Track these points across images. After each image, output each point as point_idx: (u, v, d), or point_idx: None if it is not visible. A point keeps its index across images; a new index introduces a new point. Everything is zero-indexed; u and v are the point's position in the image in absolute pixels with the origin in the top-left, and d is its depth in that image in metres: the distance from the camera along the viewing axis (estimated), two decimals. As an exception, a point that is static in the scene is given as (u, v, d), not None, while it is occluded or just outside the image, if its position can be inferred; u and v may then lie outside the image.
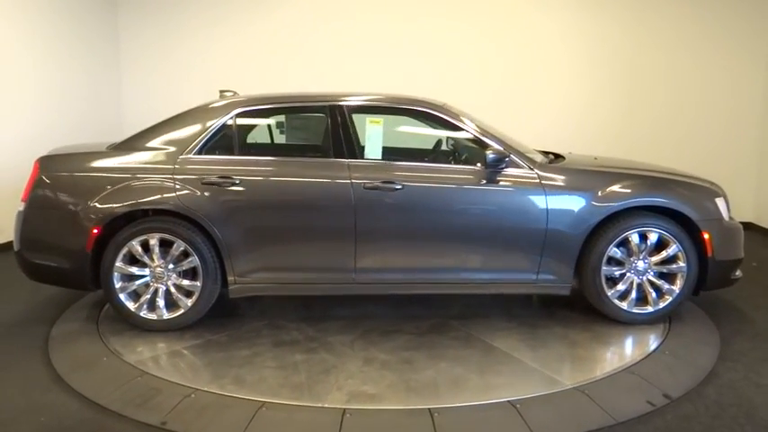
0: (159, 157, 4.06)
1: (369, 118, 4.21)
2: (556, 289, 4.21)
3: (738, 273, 4.39)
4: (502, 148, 4.09)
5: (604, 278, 4.16)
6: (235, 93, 4.59)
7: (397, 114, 4.39)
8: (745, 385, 3.38)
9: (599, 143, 7.10)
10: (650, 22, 7.27)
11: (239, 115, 4.19)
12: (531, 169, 4.13)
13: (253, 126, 4.36)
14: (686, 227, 4.16)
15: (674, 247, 4.13)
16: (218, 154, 4.13)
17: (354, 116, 4.21)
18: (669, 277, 4.21)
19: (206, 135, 4.11)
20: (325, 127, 4.21)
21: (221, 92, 4.65)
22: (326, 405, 3.13)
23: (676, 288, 4.19)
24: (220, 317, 4.30)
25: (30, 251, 4.09)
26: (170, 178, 3.99)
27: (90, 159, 4.16)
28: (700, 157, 7.08)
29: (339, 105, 4.18)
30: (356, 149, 4.12)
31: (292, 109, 4.43)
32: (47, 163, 4.12)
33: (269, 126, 4.54)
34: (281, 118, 4.48)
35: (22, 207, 4.07)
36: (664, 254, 4.15)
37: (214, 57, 7.84)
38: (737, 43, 7.25)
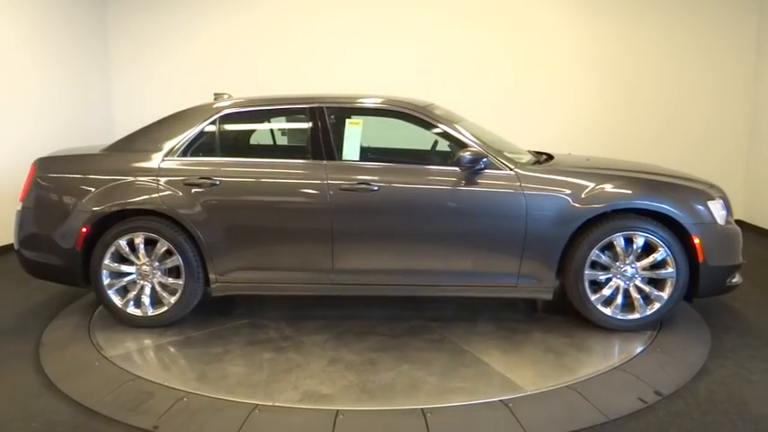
0: (145, 159, 4.20)
1: (348, 119, 4.23)
2: (538, 293, 4.12)
3: (737, 279, 4.18)
4: (479, 149, 4.03)
5: (588, 282, 4.04)
6: (229, 95, 4.69)
7: (376, 116, 4.40)
8: (736, 381, 3.39)
9: (599, 144, 7.05)
10: (642, 24, 7.27)
11: (223, 118, 4.29)
12: (511, 170, 4.05)
13: (236, 128, 4.44)
14: (677, 231, 3.99)
15: (663, 251, 3.97)
16: (202, 156, 4.24)
17: (335, 118, 4.24)
18: (658, 283, 4.05)
19: (190, 137, 4.23)
20: (305, 129, 4.26)
21: (216, 94, 4.76)
22: (277, 404, 3.16)
23: (665, 294, 4.03)
24: (209, 314, 4.42)
25: (27, 249, 4.30)
26: (154, 179, 4.12)
27: (81, 161, 4.35)
28: (688, 155, 7.09)
29: (319, 107, 4.22)
30: (334, 151, 4.15)
31: (275, 111, 4.50)
32: (42, 164, 4.34)
33: (252, 128, 4.62)
34: (265, 120, 4.56)
35: (20, 206, 4.29)
36: (651, 259, 4.00)
37: (207, 57, 7.82)
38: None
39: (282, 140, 4.59)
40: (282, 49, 7.70)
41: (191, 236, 4.11)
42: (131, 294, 4.20)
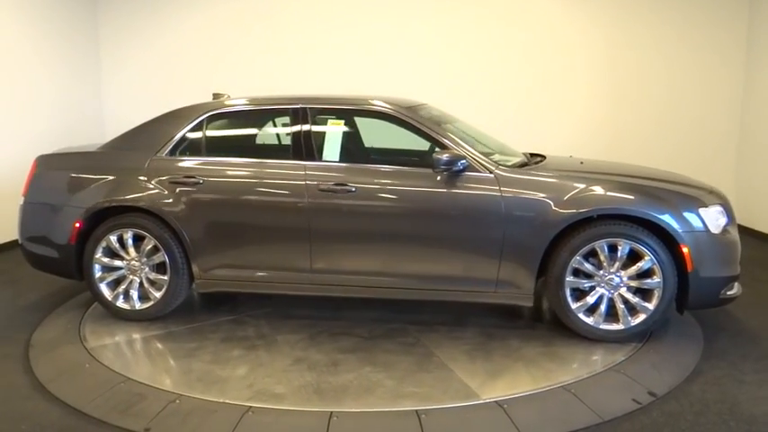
0: (135, 158, 4.33)
1: (330, 120, 4.24)
2: (518, 299, 4.01)
3: (734, 291, 3.95)
4: (456, 151, 3.96)
5: (570, 290, 3.91)
6: (228, 96, 4.77)
7: (358, 116, 4.39)
8: (729, 382, 3.42)
9: (593, 145, 6.98)
10: (633, 26, 7.19)
11: (210, 118, 4.38)
12: (490, 173, 3.96)
13: (221, 128, 4.52)
14: (666, 239, 3.81)
15: (648, 260, 3.79)
16: (189, 155, 4.34)
17: (317, 118, 4.26)
18: (646, 293, 3.88)
19: (178, 137, 4.34)
20: (288, 129, 4.29)
21: (215, 94, 4.86)
22: (227, 401, 3.20)
23: (650, 305, 3.84)
24: (198, 310, 4.54)
25: (28, 241, 4.52)
26: (143, 178, 4.25)
27: (77, 159, 4.53)
28: (678, 156, 6.99)
29: (302, 108, 4.25)
30: (314, 151, 4.16)
31: (259, 112, 4.55)
32: (42, 161, 4.55)
33: (236, 129, 4.68)
34: (250, 121, 4.62)
35: (22, 201, 4.51)
36: (636, 267, 3.83)
37: (199, 56, 7.76)
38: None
39: (266, 140, 4.65)
40: (277, 48, 7.61)
41: (176, 233, 4.21)
42: (121, 288, 4.34)
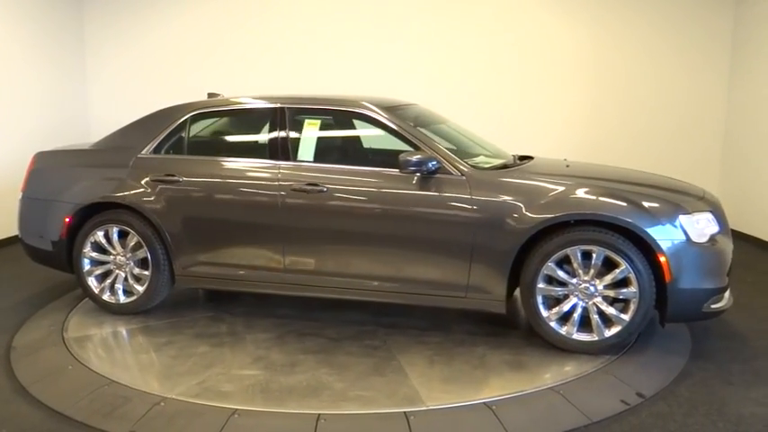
0: (122, 156, 4.45)
1: (307, 120, 4.24)
2: (489, 306, 3.89)
3: (721, 304, 3.73)
4: (427, 152, 3.88)
5: (541, 298, 3.78)
6: (221, 95, 4.85)
7: (335, 116, 4.37)
8: (717, 383, 3.43)
9: (579, 147, 6.92)
10: (620, 28, 7.19)
11: (193, 118, 4.46)
12: (461, 175, 3.86)
13: (203, 128, 4.59)
14: (644, 246, 3.63)
15: (624, 268, 3.62)
16: (171, 154, 4.43)
17: (295, 118, 4.27)
18: (623, 303, 3.70)
19: (162, 136, 4.43)
20: (266, 129, 4.32)
21: (209, 94, 4.94)
22: (170, 396, 3.24)
23: (626, 316, 3.66)
24: (183, 305, 4.64)
25: (26, 234, 4.72)
26: (127, 175, 4.37)
27: (69, 156, 4.70)
28: (663, 159, 6.97)
29: (280, 108, 4.26)
30: (289, 151, 4.17)
31: (240, 112, 4.60)
32: (39, 158, 4.74)
33: (217, 128, 4.73)
34: (231, 121, 4.68)
35: (20, 196, 4.71)
36: (611, 276, 3.66)
37: (185, 55, 7.71)
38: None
39: (245, 140, 4.68)
40: (268, 46, 7.55)
41: (157, 230, 4.30)
42: (107, 282, 4.47)
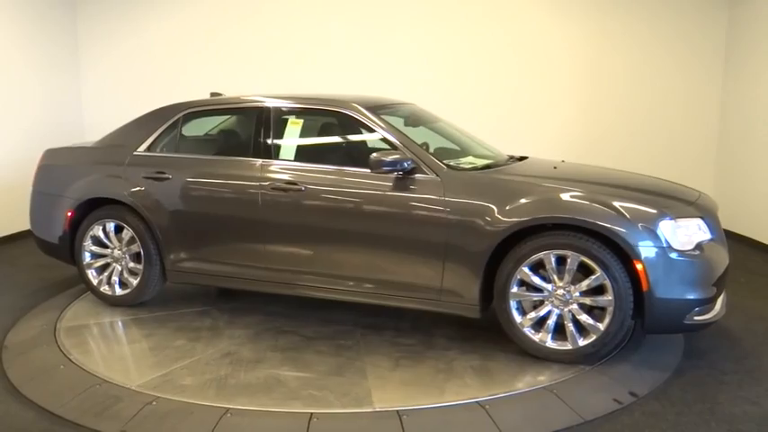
0: (119, 154, 4.61)
1: (290, 119, 4.28)
2: (463, 310, 3.80)
3: (707, 316, 3.51)
4: (406, 152, 3.84)
5: (515, 303, 3.67)
6: (223, 95, 4.95)
7: (319, 115, 4.38)
8: (710, 382, 3.44)
9: (573, 148, 6.84)
10: (616, 29, 7.14)
11: (186, 116, 4.56)
12: (436, 175, 3.80)
13: (195, 127, 4.68)
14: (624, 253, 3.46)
15: (599, 275, 3.47)
16: (164, 151, 4.56)
17: (279, 117, 4.30)
18: (599, 311, 3.55)
19: (156, 134, 4.57)
20: (251, 127, 4.37)
21: (212, 93, 5.05)
22: (129, 386, 3.34)
23: (602, 325, 3.51)
24: (178, 299, 4.75)
25: (36, 228, 4.96)
26: (123, 172, 4.52)
27: (73, 153, 4.90)
28: (658, 160, 6.94)
29: (266, 107, 4.31)
30: (272, 150, 4.21)
31: (229, 111, 4.68)
32: (47, 154, 4.97)
33: (207, 127, 4.82)
34: (220, 119, 4.76)
35: (31, 190, 4.95)
36: (587, 282, 3.51)
37: (180, 54, 7.69)
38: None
39: (232, 138, 4.75)
40: (267, 44, 7.51)
41: (149, 225, 4.43)
42: (104, 275, 4.64)
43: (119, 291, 4.61)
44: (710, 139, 7.18)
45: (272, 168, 4.14)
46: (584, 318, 3.54)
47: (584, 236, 3.49)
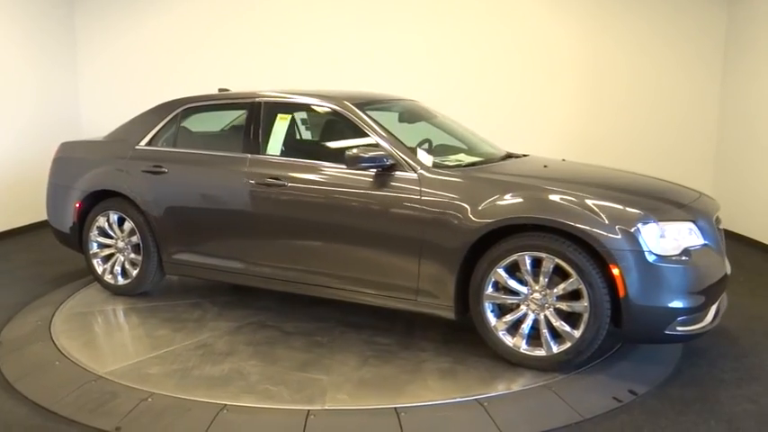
0: (123, 148, 4.76)
1: (279, 114, 4.29)
2: (438, 310, 3.69)
3: (694, 327, 3.30)
4: (387, 148, 3.78)
5: (490, 305, 3.54)
6: (229, 90, 5.02)
7: (309, 111, 4.38)
8: (709, 380, 3.44)
9: (573, 147, 6.74)
10: (617, 27, 7.10)
11: (185, 111, 4.66)
12: (414, 173, 3.71)
13: (192, 121, 4.75)
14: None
15: (574, 279, 3.30)
16: (163, 146, 4.67)
17: (270, 113, 4.32)
18: (576, 317, 3.37)
19: (156, 129, 4.68)
20: (243, 122, 4.42)
21: (220, 89, 5.14)
22: (97, 372, 3.43)
23: (577, 332, 3.33)
24: (178, 290, 4.87)
25: (51, 218, 5.19)
26: (125, 166, 4.66)
27: (84, 146, 5.10)
28: (658, 160, 6.84)
29: (257, 102, 4.34)
30: (260, 145, 4.23)
31: (225, 106, 4.74)
32: (62, 147, 5.18)
33: (204, 122, 4.87)
34: (216, 114, 4.82)
35: (47, 182, 5.19)
36: (562, 287, 3.35)
37: (177, 50, 7.66)
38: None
39: (225, 133, 4.80)
40: (261, 40, 7.47)
41: (147, 218, 4.55)
42: (108, 264, 4.80)
43: (121, 280, 4.75)
44: (710, 136, 7.11)
45: (259, 163, 4.16)
46: (559, 324, 3.38)
47: (559, 238, 3.33)
